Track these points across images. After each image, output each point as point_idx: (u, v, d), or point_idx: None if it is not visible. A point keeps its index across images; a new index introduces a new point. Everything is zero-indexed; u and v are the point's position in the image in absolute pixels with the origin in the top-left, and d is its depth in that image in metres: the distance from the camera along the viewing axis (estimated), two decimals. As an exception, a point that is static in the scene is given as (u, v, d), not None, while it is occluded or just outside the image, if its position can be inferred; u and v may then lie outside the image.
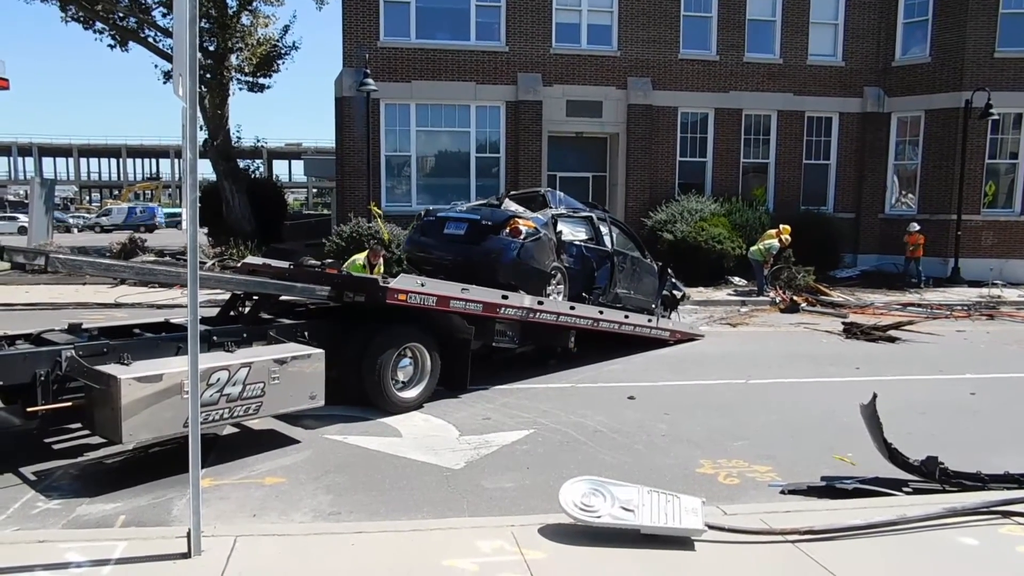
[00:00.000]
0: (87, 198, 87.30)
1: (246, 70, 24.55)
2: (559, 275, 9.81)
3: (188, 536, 4.15)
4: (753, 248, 18.21)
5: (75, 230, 49.52)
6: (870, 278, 20.57)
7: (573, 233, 10.38)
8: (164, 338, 6.59)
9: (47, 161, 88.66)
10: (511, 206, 9.98)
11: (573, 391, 9.02)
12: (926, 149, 21.54)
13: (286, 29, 26.70)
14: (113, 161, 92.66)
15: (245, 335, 6.97)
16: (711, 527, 4.56)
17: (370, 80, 18.32)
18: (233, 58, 23.60)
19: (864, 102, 22.17)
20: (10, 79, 4.88)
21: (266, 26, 24.34)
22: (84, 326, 6.64)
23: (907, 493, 5.70)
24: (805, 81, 21.91)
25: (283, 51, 25.15)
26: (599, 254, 10.69)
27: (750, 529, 4.64)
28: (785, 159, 22.14)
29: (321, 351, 6.71)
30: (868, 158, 22.28)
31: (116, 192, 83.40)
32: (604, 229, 10.96)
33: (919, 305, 16.93)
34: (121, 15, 23.12)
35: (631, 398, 8.64)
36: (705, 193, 21.38)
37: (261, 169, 31.90)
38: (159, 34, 23.66)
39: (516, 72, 20.68)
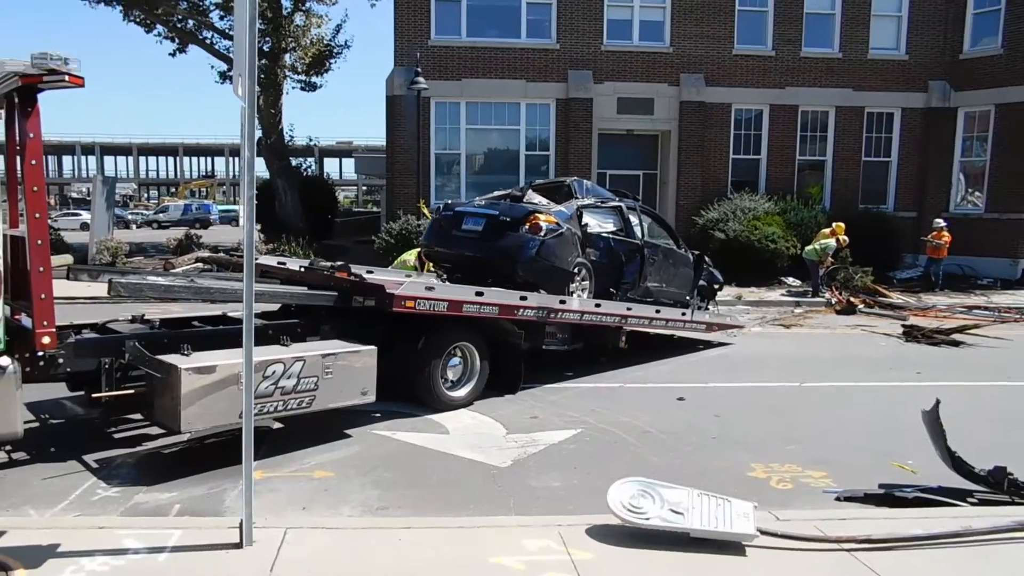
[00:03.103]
0: (145, 195, 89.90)
1: (299, 69, 24.97)
2: (583, 271, 9.37)
3: (240, 527, 4.23)
4: (808, 248, 17.82)
5: (134, 226, 50.85)
6: (932, 279, 19.90)
7: (600, 225, 9.89)
8: (221, 331, 6.72)
9: (108, 159, 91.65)
10: (534, 198, 9.52)
11: (622, 391, 8.94)
12: (996, 145, 20.73)
13: (338, 28, 27.17)
14: (170, 159, 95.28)
15: (299, 330, 7.09)
16: (763, 532, 4.46)
17: (421, 79, 18.44)
18: (287, 58, 24.01)
19: (929, 97, 21.48)
20: (85, 79, 5.07)
21: (319, 26, 24.73)
22: (146, 317, 6.83)
23: (972, 504, 5.49)
24: (865, 76, 21.32)
25: (335, 50, 25.49)
26: (628, 246, 10.19)
27: (804, 536, 4.52)
28: (843, 156, 21.61)
29: (373, 348, 6.78)
30: (932, 155, 21.58)
31: (173, 189, 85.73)
32: (634, 219, 10.45)
33: (986, 308, 16.29)
34: (180, 18, 23.71)
35: (681, 399, 8.52)
36: (759, 191, 20.99)
37: (313, 167, 32.42)
38: (216, 36, 24.23)
39: (566, 69, 20.60)
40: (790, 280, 18.94)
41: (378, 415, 7.36)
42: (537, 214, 8.87)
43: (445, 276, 9.74)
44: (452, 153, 21.07)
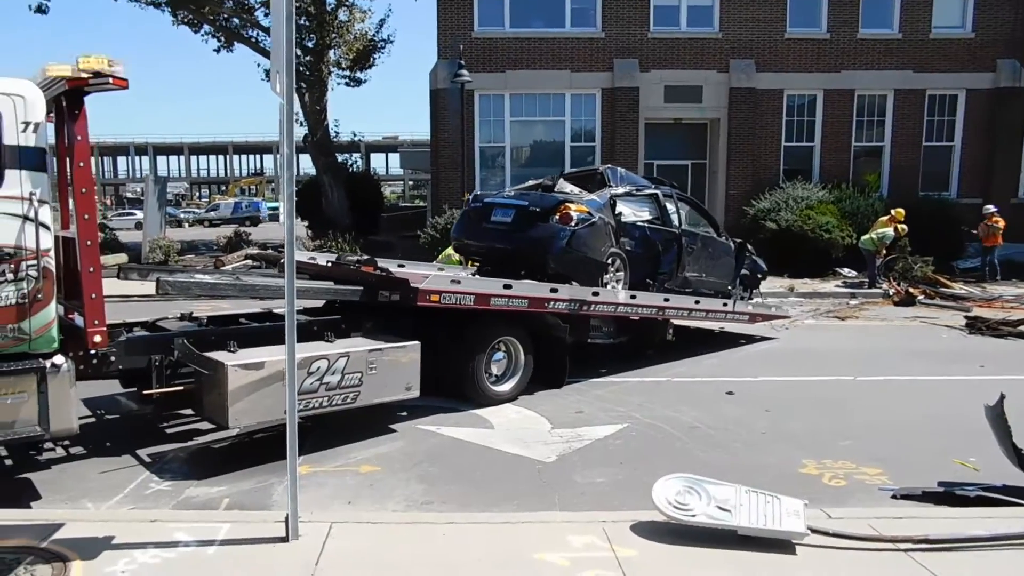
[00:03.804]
0: (196, 194, 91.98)
1: (343, 65, 25.15)
2: (618, 261, 9.05)
3: (286, 521, 4.27)
4: (864, 237, 17.29)
5: (186, 224, 51.88)
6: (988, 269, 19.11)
7: (636, 213, 9.54)
8: (267, 327, 6.80)
9: (160, 159, 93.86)
10: (565, 187, 9.20)
11: (669, 385, 8.80)
12: (1070, 127, 19.74)
13: (381, 23, 27.23)
14: (220, 158, 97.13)
15: (344, 326, 7.14)
16: (814, 531, 4.32)
17: (464, 71, 18.41)
18: (331, 53, 24.21)
19: (997, 76, 20.55)
20: (128, 80, 5.16)
21: (362, 21, 24.82)
22: (194, 314, 6.97)
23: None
24: (927, 56, 20.51)
25: (379, 44, 25.60)
26: (665, 235, 9.84)
27: (858, 535, 4.37)
28: (902, 141, 20.84)
29: (417, 343, 6.79)
30: (1000, 138, 20.66)
31: (223, 188, 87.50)
32: (671, 207, 10.07)
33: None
34: (226, 16, 24.09)
35: (730, 393, 8.35)
36: (812, 179, 20.45)
37: (359, 163, 32.66)
38: (261, 33, 24.59)
39: (612, 58, 20.36)
40: (846, 271, 18.40)
41: (423, 410, 7.36)
42: (568, 204, 8.63)
43: (474, 269, 9.65)
44: (497, 146, 21.03)
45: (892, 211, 17.42)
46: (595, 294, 8.37)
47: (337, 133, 26.53)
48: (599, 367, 9.24)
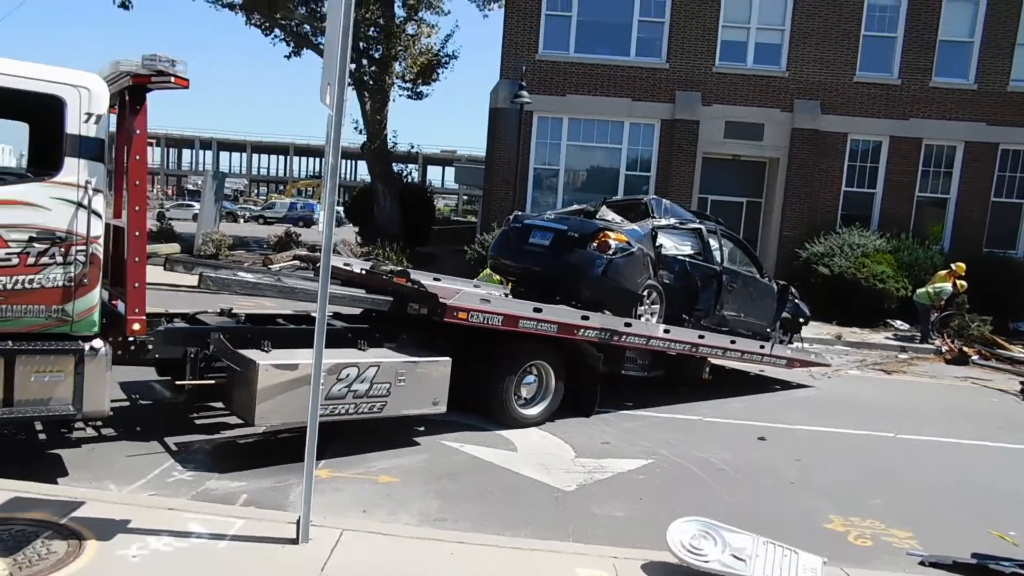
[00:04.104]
0: (255, 191, 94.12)
1: (407, 78, 25.58)
2: (654, 294, 8.95)
3: (298, 524, 4.30)
4: (920, 291, 16.80)
5: (241, 220, 52.96)
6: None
7: (678, 247, 9.46)
8: (303, 330, 6.89)
9: (223, 155, 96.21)
10: (608, 215, 9.14)
11: (700, 424, 8.64)
12: None
13: (447, 38, 27.66)
14: (281, 158, 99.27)
15: (378, 335, 7.20)
16: (831, 592, 4.18)
17: (524, 93, 18.52)
18: (396, 66, 24.66)
19: (1074, 136, 19.88)
20: (189, 80, 5.31)
21: (429, 35, 25.27)
22: (233, 311, 7.11)
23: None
24: (1002, 109, 19.89)
25: (443, 59, 25.98)
26: (705, 271, 9.68)
27: (877, 601, 4.21)
28: (970, 195, 20.21)
29: (448, 359, 6.80)
30: (1074, 199, 19.93)
31: (281, 187, 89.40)
32: (714, 243, 9.91)
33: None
34: (296, 23, 24.73)
35: (761, 438, 8.16)
36: (871, 226, 19.97)
37: (414, 174, 33.06)
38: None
39: (674, 90, 20.27)
40: (898, 323, 17.88)
41: (449, 426, 7.37)
42: (607, 232, 8.55)
43: (508, 290, 9.62)
44: (551, 168, 21.07)
45: (952, 265, 16.91)
46: (627, 325, 8.25)
47: (395, 143, 26.96)
48: (630, 399, 9.13)
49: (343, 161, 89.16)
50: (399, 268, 8.24)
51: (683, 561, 4.32)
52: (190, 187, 72.30)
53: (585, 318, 7.86)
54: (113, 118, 5.78)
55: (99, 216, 5.19)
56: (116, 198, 6.05)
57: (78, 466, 5.55)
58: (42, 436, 6.01)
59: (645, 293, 8.80)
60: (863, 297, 17.79)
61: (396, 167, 27.82)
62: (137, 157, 5.39)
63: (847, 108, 20.05)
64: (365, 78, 24.25)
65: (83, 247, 5.08)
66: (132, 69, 5.26)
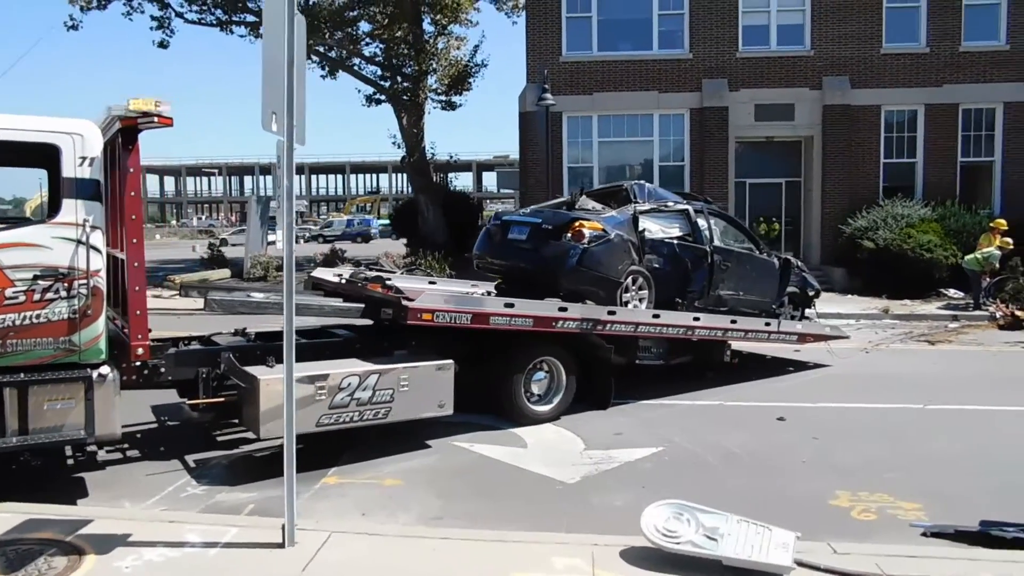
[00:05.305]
0: (316, 211, 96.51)
1: (439, 90, 26.00)
2: (640, 279, 8.76)
3: (283, 528, 4.53)
4: (968, 257, 16.26)
5: (301, 241, 54.19)
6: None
7: (664, 230, 9.25)
8: (312, 344, 7.20)
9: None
10: (587, 204, 9.04)
11: (720, 408, 8.60)
12: None
13: (476, 48, 28.06)
14: (338, 177, 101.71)
15: (386, 343, 7.43)
16: (801, 565, 4.18)
17: (548, 95, 18.65)
18: (429, 79, 25.09)
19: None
20: (173, 119, 5.63)
21: (458, 48, 25.65)
22: (247, 330, 7.43)
23: (1094, 550, 4.83)
24: (1039, 67, 19.18)
25: (472, 69, 26.32)
26: (695, 252, 9.46)
27: (850, 572, 4.18)
28: (1015, 156, 19.57)
29: (450, 361, 6.96)
30: None
31: (340, 205, 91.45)
32: (702, 223, 9.64)
33: None
34: (328, 47, 25.40)
35: (781, 419, 8.08)
36: (915, 196, 19.46)
37: (457, 183, 33.43)
38: (363, 62, 25.82)
39: (700, 79, 20.14)
40: (951, 292, 17.31)
41: (463, 427, 7.51)
42: (581, 221, 8.44)
43: (488, 288, 9.59)
44: (585, 166, 21.13)
45: (991, 224, 16.28)
46: (611, 313, 8.15)
47: (433, 154, 27.40)
48: (654, 389, 9.11)
49: (392, 175, 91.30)
50: (373, 275, 8.38)
51: (656, 544, 4.38)
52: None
53: (563, 309, 7.78)
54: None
55: (99, 251, 5.54)
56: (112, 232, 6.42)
57: (100, 487, 5.91)
58: (70, 461, 6.41)
59: (630, 280, 8.66)
60: (911, 268, 17.36)
61: (449, 175, 28.15)
62: (132, 193, 5.74)
63: (877, 80, 19.64)
64: (403, 96, 24.77)
65: (84, 280, 5.45)
66: (120, 113, 5.62)
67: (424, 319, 6.95)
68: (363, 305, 7.50)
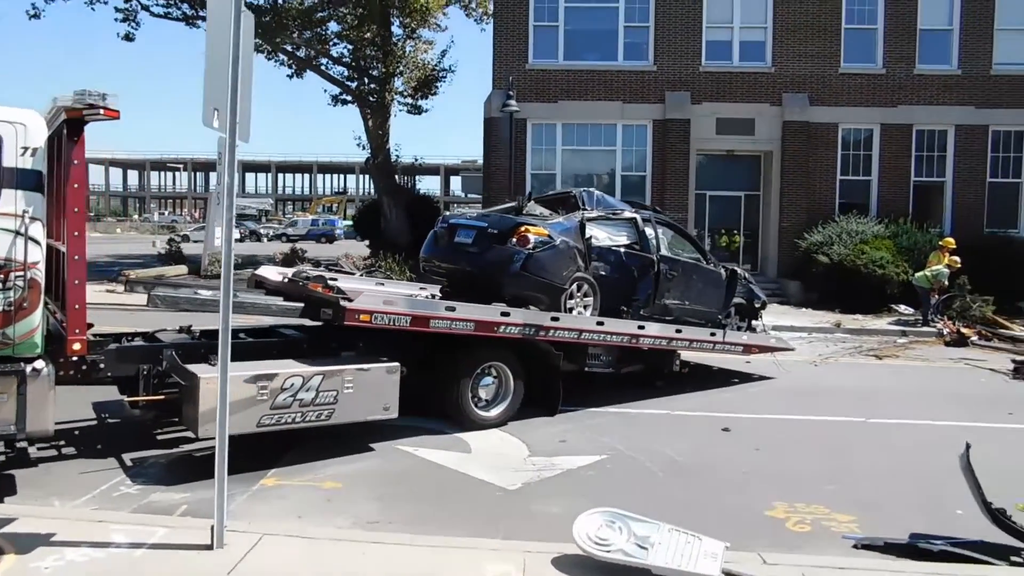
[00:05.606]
0: (281, 210, 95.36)
1: (405, 93, 25.95)
2: (585, 286, 8.75)
3: (212, 530, 4.47)
4: (919, 274, 16.68)
5: (264, 239, 53.59)
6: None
7: (612, 238, 9.27)
8: (257, 343, 7.14)
9: (249, 176, 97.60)
10: (535, 210, 9.04)
11: (667, 418, 8.70)
12: None
13: (443, 53, 28.07)
14: (305, 176, 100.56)
15: (334, 344, 7.38)
16: (729, 574, 4.24)
17: (512, 101, 18.75)
18: (396, 82, 25.03)
19: (1062, 114, 19.64)
20: (120, 112, 5.54)
21: (425, 52, 25.64)
22: (192, 327, 7.33)
23: (1013, 564, 4.98)
24: (989, 92, 19.91)
25: (440, 74, 26.33)
26: (642, 261, 9.46)
27: (775, 582, 4.26)
28: (965, 177, 20.19)
29: (396, 364, 6.94)
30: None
31: (306, 205, 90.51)
32: (650, 232, 9.67)
33: None
34: (295, 47, 25.21)
35: (726, 429, 8.20)
36: (869, 213, 19.94)
37: (424, 187, 33.41)
38: (329, 62, 25.67)
39: (664, 91, 20.40)
40: (902, 308, 17.71)
41: (409, 430, 7.49)
42: (527, 226, 8.42)
43: (434, 292, 9.54)
44: (548, 173, 21.23)
45: (940, 242, 16.74)
46: (554, 319, 8.14)
47: (398, 157, 27.33)
48: (604, 397, 9.18)
49: (360, 177, 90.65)
50: (315, 274, 8.25)
51: (587, 552, 4.41)
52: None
53: (506, 314, 7.76)
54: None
55: (38, 243, 5.43)
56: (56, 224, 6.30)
57: (30, 485, 5.77)
58: (0, 457, 6.24)
59: (575, 287, 8.64)
60: (864, 283, 17.73)
61: (404, 179, 28.07)
62: (75, 186, 5.63)
63: (835, 99, 20.14)
64: (367, 96, 24.66)
65: (21, 273, 5.33)
66: (66, 104, 5.52)
67: (362, 320, 6.86)
68: (302, 305, 7.40)
